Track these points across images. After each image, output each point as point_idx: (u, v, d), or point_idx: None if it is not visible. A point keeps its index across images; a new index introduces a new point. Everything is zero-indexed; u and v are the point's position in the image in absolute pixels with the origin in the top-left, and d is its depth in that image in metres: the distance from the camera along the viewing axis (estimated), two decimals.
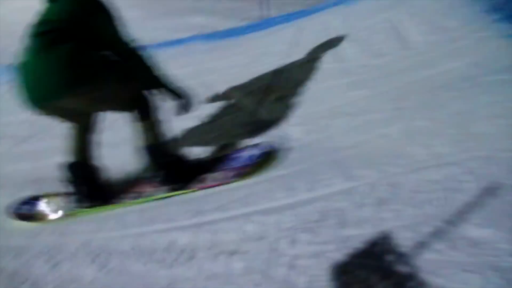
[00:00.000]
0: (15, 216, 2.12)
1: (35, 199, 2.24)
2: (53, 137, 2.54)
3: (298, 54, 3.20)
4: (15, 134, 3.08)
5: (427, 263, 1.25)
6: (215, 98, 2.87)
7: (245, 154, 2.13)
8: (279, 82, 2.89)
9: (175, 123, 2.19)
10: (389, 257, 1.31)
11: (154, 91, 2.01)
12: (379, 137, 1.97)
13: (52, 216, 2.13)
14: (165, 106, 2.07)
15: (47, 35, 1.76)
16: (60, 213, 2.14)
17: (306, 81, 2.74)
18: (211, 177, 2.07)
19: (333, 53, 2.97)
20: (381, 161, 1.77)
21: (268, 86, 2.83)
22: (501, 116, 1.82)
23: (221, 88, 3.00)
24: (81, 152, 2.08)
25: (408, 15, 3.08)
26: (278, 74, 3.00)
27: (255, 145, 2.17)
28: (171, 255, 1.59)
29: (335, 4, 4.25)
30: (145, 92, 2.01)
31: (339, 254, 1.37)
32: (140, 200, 2.07)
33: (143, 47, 1.93)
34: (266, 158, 2.06)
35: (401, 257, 1.29)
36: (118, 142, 2.42)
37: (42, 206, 2.20)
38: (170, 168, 2.08)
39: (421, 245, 1.31)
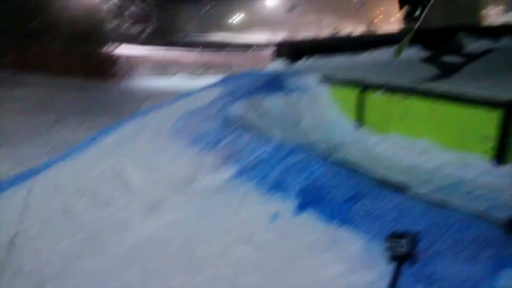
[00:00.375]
0: None
1: None
2: None
3: (30, 218, 3.13)
4: None
5: None
6: None
7: None
8: (13, 253, 2.75)
9: None
10: None
11: None
12: None
13: None
14: None
15: None
16: None
17: (41, 249, 2.71)
18: None
19: (64, 210, 3.02)
20: None
21: None
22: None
23: None
24: None
25: (128, 159, 3.43)
26: (11, 246, 2.85)
27: None
28: None
29: (63, 158, 4.31)
30: None
31: None
32: None
33: None
34: None
35: None
36: None
37: None
38: None
39: None
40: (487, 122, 2.77)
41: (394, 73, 4.09)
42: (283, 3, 51.98)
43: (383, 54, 5.49)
